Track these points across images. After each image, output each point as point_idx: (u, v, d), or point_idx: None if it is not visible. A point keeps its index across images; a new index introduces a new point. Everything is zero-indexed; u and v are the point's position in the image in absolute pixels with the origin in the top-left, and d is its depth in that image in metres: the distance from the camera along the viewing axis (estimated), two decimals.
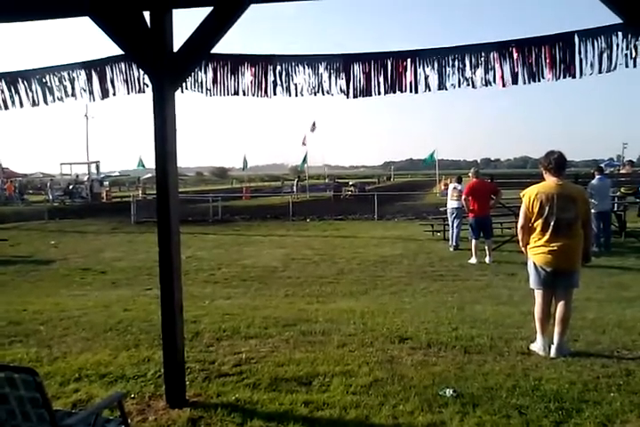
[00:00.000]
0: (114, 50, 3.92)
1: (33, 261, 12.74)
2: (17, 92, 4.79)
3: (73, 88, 4.74)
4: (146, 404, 3.81)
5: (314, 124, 34.32)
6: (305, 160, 36.01)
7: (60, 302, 7.54)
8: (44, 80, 4.75)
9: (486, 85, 4.11)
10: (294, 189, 32.50)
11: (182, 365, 3.96)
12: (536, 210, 4.74)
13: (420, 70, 4.19)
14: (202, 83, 4.51)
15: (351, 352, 4.81)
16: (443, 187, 31.77)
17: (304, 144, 34.87)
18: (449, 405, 3.68)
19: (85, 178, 38.11)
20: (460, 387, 3.95)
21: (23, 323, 6.13)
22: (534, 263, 4.84)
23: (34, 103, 4.84)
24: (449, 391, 3.86)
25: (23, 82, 4.78)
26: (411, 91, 4.22)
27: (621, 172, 21.47)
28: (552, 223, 4.68)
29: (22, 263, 12.27)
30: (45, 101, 4.81)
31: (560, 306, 4.78)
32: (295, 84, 4.45)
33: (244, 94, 4.44)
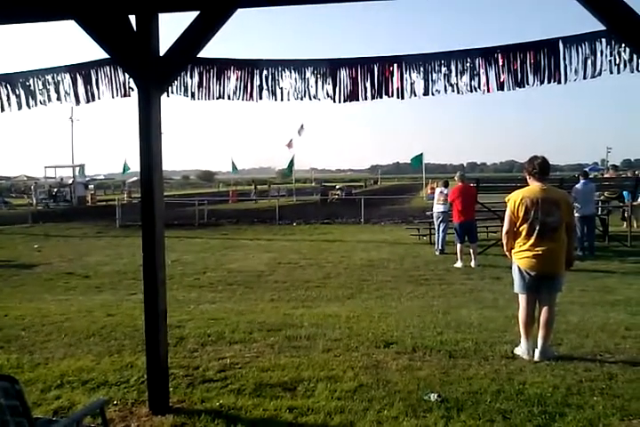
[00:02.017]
0: (99, 53, 3.89)
1: (16, 265, 12.56)
2: None
3: (57, 92, 4.70)
4: (128, 411, 3.77)
5: (302, 127, 34.03)
6: (291, 164, 35.37)
7: (43, 307, 7.44)
8: (27, 84, 4.71)
9: (471, 91, 4.14)
10: (252, 195, 31.85)
11: (166, 371, 3.92)
12: (521, 214, 4.78)
13: (406, 76, 4.22)
14: (187, 87, 4.50)
15: (336, 357, 4.80)
16: (429, 191, 31.86)
17: (289, 146, 34.33)
18: (433, 409, 3.68)
19: (70, 181, 37.71)
20: (444, 391, 3.96)
21: (4, 328, 6.04)
22: (519, 267, 4.87)
23: (18, 107, 4.79)
24: (433, 396, 3.87)
25: (6, 85, 4.72)
26: (397, 96, 4.24)
27: (605, 176, 21.75)
28: (537, 228, 4.71)
29: (5, 268, 12.10)
30: (28, 105, 4.76)
31: (544, 310, 4.82)
32: (281, 89, 4.45)
33: (230, 98, 4.44)
